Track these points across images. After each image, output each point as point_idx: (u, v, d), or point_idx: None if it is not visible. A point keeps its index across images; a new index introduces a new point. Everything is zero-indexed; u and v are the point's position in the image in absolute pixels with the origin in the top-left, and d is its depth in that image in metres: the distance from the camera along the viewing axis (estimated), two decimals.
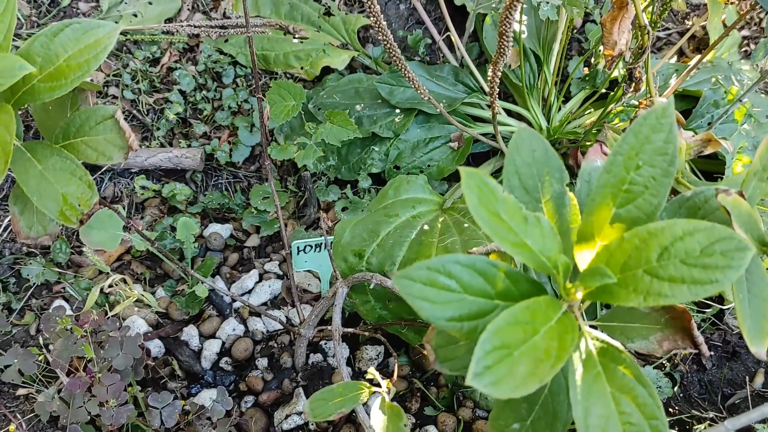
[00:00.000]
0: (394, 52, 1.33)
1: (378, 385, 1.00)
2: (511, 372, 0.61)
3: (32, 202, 0.95)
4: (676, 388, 1.39)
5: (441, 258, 0.67)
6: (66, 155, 0.90)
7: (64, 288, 1.61)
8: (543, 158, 0.78)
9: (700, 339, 0.88)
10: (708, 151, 0.92)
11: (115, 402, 1.12)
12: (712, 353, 1.44)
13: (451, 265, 0.67)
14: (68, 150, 0.93)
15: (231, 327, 1.59)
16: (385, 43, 1.30)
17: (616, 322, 0.89)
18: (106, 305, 1.53)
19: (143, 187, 1.76)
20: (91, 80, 1.82)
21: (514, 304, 0.66)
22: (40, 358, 1.23)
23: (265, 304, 1.65)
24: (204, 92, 1.93)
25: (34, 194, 0.86)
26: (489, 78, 1.10)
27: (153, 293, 1.63)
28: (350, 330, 1.32)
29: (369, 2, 1.20)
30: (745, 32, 2.06)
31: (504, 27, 0.94)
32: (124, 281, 1.52)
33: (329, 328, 1.58)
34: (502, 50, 0.98)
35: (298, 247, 1.49)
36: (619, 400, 0.67)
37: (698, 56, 1.51)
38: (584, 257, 0.72)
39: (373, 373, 1.00)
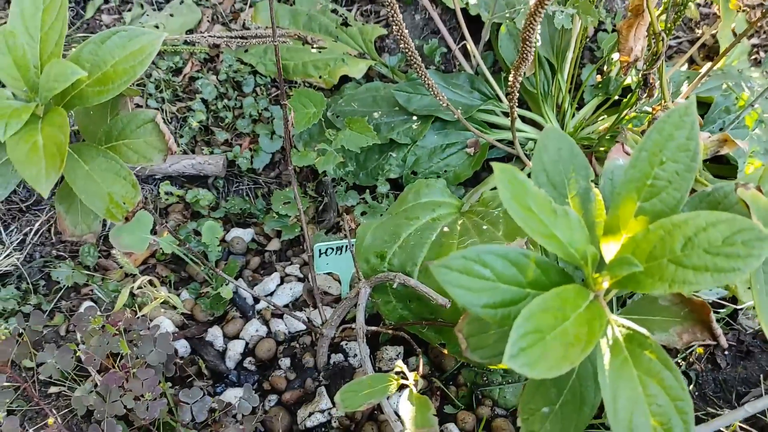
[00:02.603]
0: (414, 59, 1.37)
1: (405, 377, 1.03)
2: (544, 354, 0.65)
3: (77, 202, 1.00)
4: (691, 387, 1.42)
5: (476, 248, 0.70)
6: (111, 156, 0.94)
7: (92, 290, 1.65)
8: (569, 156, 0.82)
9: (719, 331, 0.91)
10: (724, 151, 0.96)
11: (150, 396, 1.16)
12: (727, 353, 1.47)
13: (486, 255, 0.71)
14: (111, 152, 0.97)
15: (254, 328, 1.63)
16: (406, 49, 1.35)
17: (637, 315, 0.93)
18: (135, 306, 1.57)
19: (168, 193, 1.81)
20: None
21: (544, 293, 0.69)
22: (75, 355, 1.27)
23: (286, 306, 1.69)
24: (225, 101, 1.98)
25: (82, 193, 0.90)
26: (510, 83, 1.14)
27: (178, 295, 1.67)
28: (373, 328, 1.36)
29: (391, 10, 1.25)
30: (754, 40, 2.11)
31: (527, 33, 0.98)
32: (152, 283, 1.56)
33: (351, 327, 1.62)
34: (524, 55, 1.03)
35: (320, 250, 1.53)
36: (646, 384, 0.70)
37: (709, 63, 1.55)
38: (610, 248, 0.75)
39: (400, 366, 1.04)
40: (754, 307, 1.47)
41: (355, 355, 1.59)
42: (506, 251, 0.71)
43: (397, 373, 1.04)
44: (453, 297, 0.70)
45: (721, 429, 1.31)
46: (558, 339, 0.67)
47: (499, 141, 1.77)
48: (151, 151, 1.01)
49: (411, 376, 1.02)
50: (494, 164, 0.71)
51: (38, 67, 0.90)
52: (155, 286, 1.59)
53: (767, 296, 0.83)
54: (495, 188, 1.74)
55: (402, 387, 1.04)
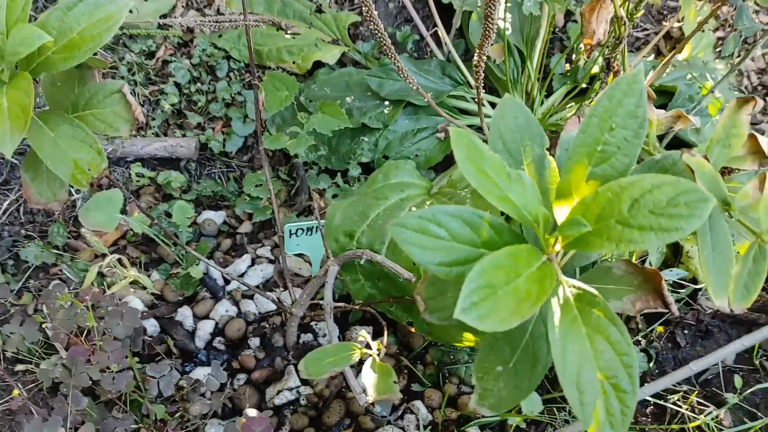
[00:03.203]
0: (383, 40, 1.39)
1: (369, 347, 1.05)
2: (495, 308, 0.67)
3: (42, 170, 1.00)
4: (651, 364, 1.46)
5: (432, 208, 0.73)
6: (77, 124, 0.95)
7: (61, 270, 1.65)
8: (525, 125, 0.84)
9: (670, 299, 0.94)
10: (678, 127, 0.99)
11: (117, 368, 1.17)
12: (686, 332, 1.51)
13: (441, 215, 0.73)
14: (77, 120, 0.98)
15: (224, 308, 1.64)
16: (376, 31, 1.37)
17: (592, 284, 0.96)
18: (104, 285, 1.57)
19: (139, 175, 1.81)
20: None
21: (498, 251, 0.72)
22: (42, 327, 1.27)
23: (257, 287, 1.70)
24: (198, 84, 1.98)
25: (47, 159, 0.91)
26: (474, 62, 1.17)
27: (148, 276, 1.67)
28: (341, 304, 1.37)
29: None
30: (720, 33, 2.16)
31: (489, 9, 1.01)
32: (120, 262, 1.56)
33: (321, 307, 1.64)
34: (487, 33, 1.05)
35: (290, 231, 1.54)
36: (594, 340, 0.73)
37: (676, 53, 1.59)
38: (562, 211, 0.78)
39: (363, 335, 1.06)
40: None
41: (325, 335, 1.61)
42: (461, 211, 0.74)
43: (361, 343, 1.06)
44: (409, 255, 0.72)
45: (678, 402, 1.35)
46: (509, 295, 0.69)
47: (470, 126, 1.79)
48: (118, 121, 1.01)
49: (374, 345, 1.04)
50: (450, 128, 0.73)
51: (4, 33, 0.90)
52: (125, 266, 1.59)
53: (714, 263, 0.86)
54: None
55: (366, 357, 1.06)
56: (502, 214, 0.79)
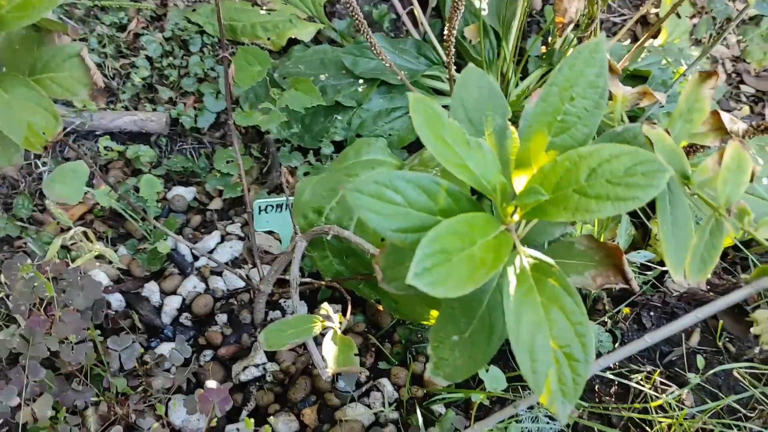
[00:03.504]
0: (359, 20, 1.38)
1: (331, 320, 1.04)
2: (449, 274, 0.67)
3: None
4: (616, 344, 1.47)
5: (389, 173, 0.72)
6: (32, 86, 0.93)
7: (25, 243, 1.62)
8: (488, 95, 0.83)
9: (631, 275, 0.95)
10: (644, 103, 0.99)
11: (75, 338, 1.15)
12: (652, 314, 1.52)
13: (398, 181, 0.72)
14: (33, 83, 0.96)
15: (192, 284, 1.62)
16: (351, 11, 1.35)
17: (554, 258, 0.96)
18: (68, 259, 1.55)
19: (107, 148, 1.78)
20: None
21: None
22: (2, 298, 1.24)
23: (226, 264, 1.68)
24: (170, 59, 1.95)
25: (0, 121, 0.89)
26: (445, 35, 1.16)
27: (115, 251, 1.65)
28: (309, 279, 1.37)
29: None
30: (696, 20, 2.16)
31: None
32: (86, 235, 1.53)
33: (289, 285, 1.63)
34: (456, 5, 1.04)
35: (259, 207, 1.53)
36: (549, 309, 0.73)
37: (649, 36, 1.59)
38: (521, 181, 0.78)
39: (326, 308, 1.05)
40: None
41: (293, 312, 1.60)
42: (418, 178, 0.73)
43: (323, 316, 1.05)
44: (365, 220, 0.71)
45: (641, 382, 1.36)
46: (464, 261, 0.68)
47: (444, 107, 1.78)
48: (77, 85, 0.99)
49: (336, 317, 1.04)
50: (409, 94, 0.72)
51: None
52: (90, 240, 1.57)
53: (673, 238, 0.86)
54: None
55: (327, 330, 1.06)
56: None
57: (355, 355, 0.98)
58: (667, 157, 0.79)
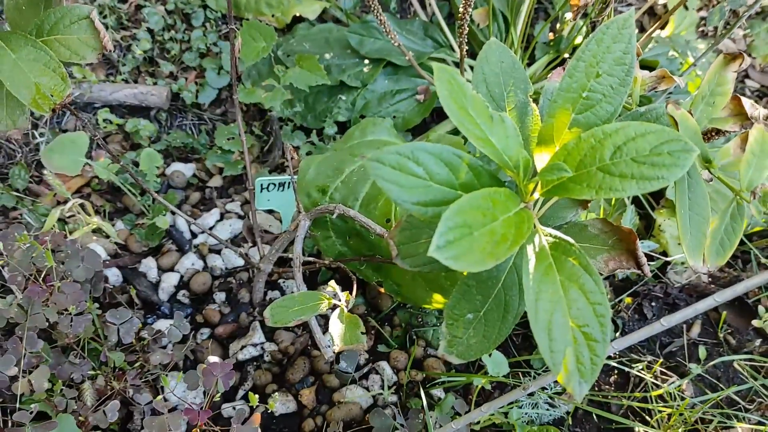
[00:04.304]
0: None
1: (337, 298, 1.03)
2: (471, 248, 0.65)
3: (3, 96, 0.95)
4: (617, 334, 1.46)
5: (411, 144, 0.70)
6: (41, 47, 0.90)
7: (21, 215, 1.59)
8: (510, 69, 0.82)
9: (643, 260, 0.94)
10: (662, 87, 0.98)
11: (75, 309, 1.13)
12: (653, 304, 1.52)
13: (420, 153, 0.71)
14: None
15: (190, 261, 1.60)
16: None
17: None
18: (66, 231, 1.52)
19: (106, 120, 1.75)
20: None
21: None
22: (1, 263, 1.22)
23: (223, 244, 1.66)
24: (172, 32, 1.92)
25: (8, 80, 0.86)
26: (460, 13, 1.14)
27: (112, 225, 1.63)
28: (311, 259, 1.35)
29: None
30: (703, 13, 2.15)
31: None
32: (84, 207, 1.51)
33: (289, 265, 1.61)
34: None
35: (261, 185, 1.51)
36: (567, 288, 0.71)
37: (657, 27, 1.57)
38: (543, 158, 0.76)
39: (333, 285, 1.04)
40: (682, 262, 1.52)
41: (292, 292, 1.58)
42: (440, 150, 0.71)
43: (329, 293, 1.03)
44: (385, 192, 0.69)
45: (641, 371, 1.36)
46: (485, 236, 0.67)
47: None
48: (85, 48, 0.96)
49: (342, 296, 1.02)
50: (434, 63, 0.70)
51: None
52: (88, 213, 1.54)
53: (690, 223, 0.85)
54: (440, 133, 1.74)
55: (334, 308, 1.04)
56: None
57: (362, 333, 0.97)
58: (690, 137, 0.77)
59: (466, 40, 1.28)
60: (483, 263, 0.65)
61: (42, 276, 1.23)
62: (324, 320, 1.49)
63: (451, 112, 0.70)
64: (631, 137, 0.70)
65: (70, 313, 1.13)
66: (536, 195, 0.76)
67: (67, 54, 0.96)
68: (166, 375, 1.35)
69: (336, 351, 0.97)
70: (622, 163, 0.70)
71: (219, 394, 1.15)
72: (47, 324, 1.12)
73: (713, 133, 0.98)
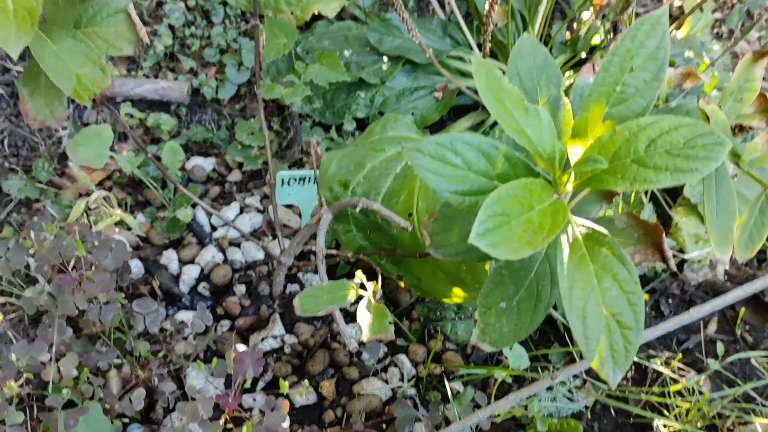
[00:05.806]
0: None
1: (364, 288, 1.05)
2: (509, 236, 0.67)
3: (41, 86, 0.97)
4: None
5: (450, 135, 0.72)
6: (81, 38, 0.92)
7: (44, 206, 1.61)
8: (543, 65, 0.84)
9: (669, 253, 0.95)
10: (687, 84, 1.00)
11: (104, 297, 1.14)
12: (670, 301, 1.53)
13: (458, 144, 0.72)
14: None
15: (210, 254, 1.62)
16: None
17: None
18: (89, 222, 1.54)
19: (128, 114, 1.77)
20: None
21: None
22: (27, 256, 1.24)
23: (244, 236, 1.68)
24: (193, 29, 1.94)
25: (50, 71, 0.88)
26: (486, 10, 1.16)
27: (134, 218, 1.64)
28: (333, 251, 1.37)
29: None
30: (717, 15, 2.17)
31: None
32: (107, 199, 1.53)
33: (309, 258, 1.63)
34: None
35: (282, 179, 1.52)
36: (601, 277, 0.73)
37: (672, 28, 1.59)
38: (576, 151, 0.78)
39: (360, 276, 1.05)
40: (699, 260, 1.54)
41: (311, 285, 1.60)
42: (478, 141, 0.73)
43: (356, 284, 1.05)
44: (425, 181, 0.71)
45: (660, 366, 1.37)
46: (523, 225, 0.69)
47: (468, 88, 1.78)
48: (122, 41, 0.99)
49: (370, 286, 1.04)
50: (472, 57, 0.72)
51: None
52: (112, 206, 1.56)
53: (717, 217, 0.87)
54: (459, 129, 1.76)
55: (360, 299, 1.06)
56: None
57: (389, 323, 0.99)
58: (720, 131, 0.79)
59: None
60: (521, 251, 0.67)
61: (70, 266, 1.25)
62: (345, 313, 1.51)
63: (488, 103, 0.72)
64: (665, 130, 0.72)
65: (99, 302, 1.15)
66: (569, 187, 0.78)
67: (104, 46, 0.98)
68: (191, 364, 1.37)
69: (364, 340, 0.98)
70: (657, 155, 0.71)
71: (243, 384, 1.17)
72: (77, 312, 1.14)
73: (737, 130, 1.00)
